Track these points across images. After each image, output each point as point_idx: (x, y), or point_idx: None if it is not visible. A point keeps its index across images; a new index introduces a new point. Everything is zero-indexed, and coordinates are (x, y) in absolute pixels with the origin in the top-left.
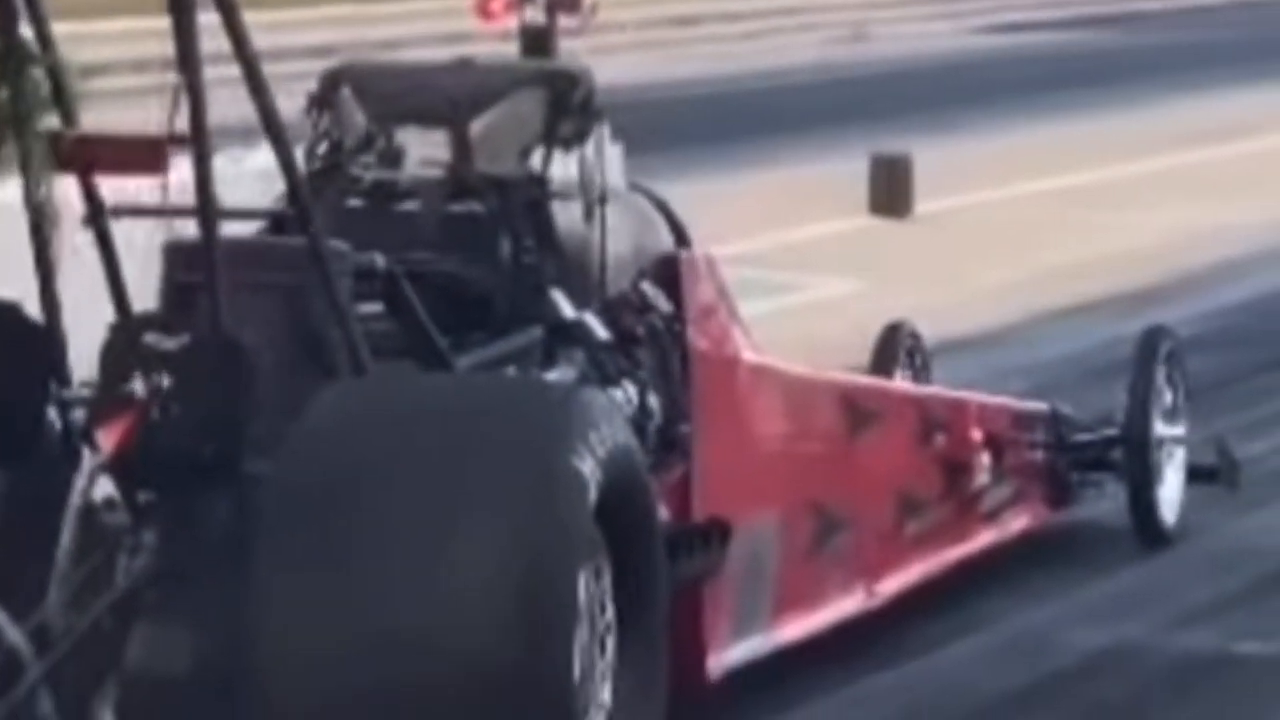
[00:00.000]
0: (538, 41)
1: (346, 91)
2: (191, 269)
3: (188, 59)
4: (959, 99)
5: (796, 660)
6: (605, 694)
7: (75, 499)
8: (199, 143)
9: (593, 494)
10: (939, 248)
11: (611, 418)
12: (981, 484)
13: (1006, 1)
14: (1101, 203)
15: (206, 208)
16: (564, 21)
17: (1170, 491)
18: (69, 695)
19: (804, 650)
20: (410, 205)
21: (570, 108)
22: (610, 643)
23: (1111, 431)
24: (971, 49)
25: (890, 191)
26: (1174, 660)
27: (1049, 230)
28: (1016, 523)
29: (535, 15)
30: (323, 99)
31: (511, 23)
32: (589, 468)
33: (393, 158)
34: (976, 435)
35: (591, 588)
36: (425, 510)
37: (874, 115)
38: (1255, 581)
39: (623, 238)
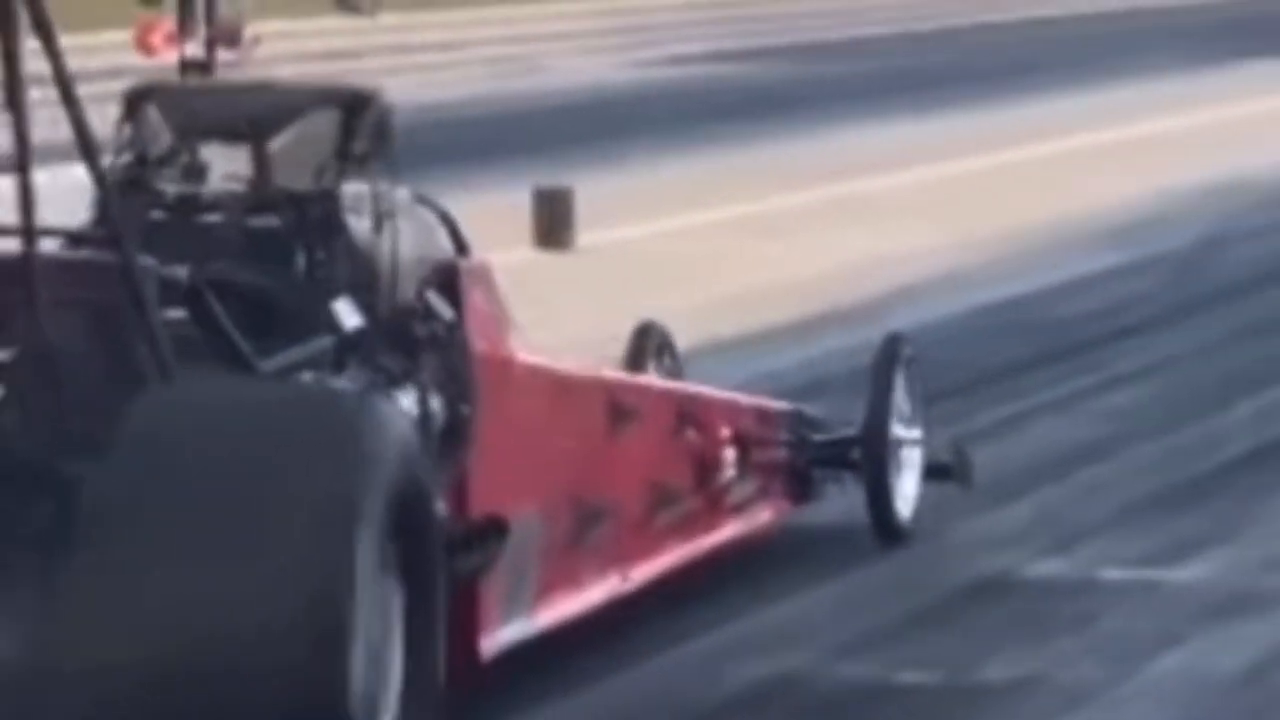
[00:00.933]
0: (199, 76)
1: (152, 108)
2: (8, 285)
3: (12, 80)
4: (626, 131)
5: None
6: (391, 696)
7: None
8: (22, 160)
9: (384, 496)
10: (602, 279)
11: (397, 422)
12: (729, 478)
13: (678, 33)
14: (770, 232)
15: (28, 226)
16: (224, 55)
17: (907, 489)
18: None
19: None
20: (211, 218)
21: (362, 126)
22: (397, 640)
23: (850, 432)
24: (640, 81)
25: (553, 224)
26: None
27: (715, 261)
28: (761, 516)
29: (196, 49)
30: (129, 115)
31: (172, 56)
32: (381, 472)
33: (196, 172)
34: (725, 432)
35: (380, 588)
36: (226, 513)
37: (539, 148)
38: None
39: (409, 248)
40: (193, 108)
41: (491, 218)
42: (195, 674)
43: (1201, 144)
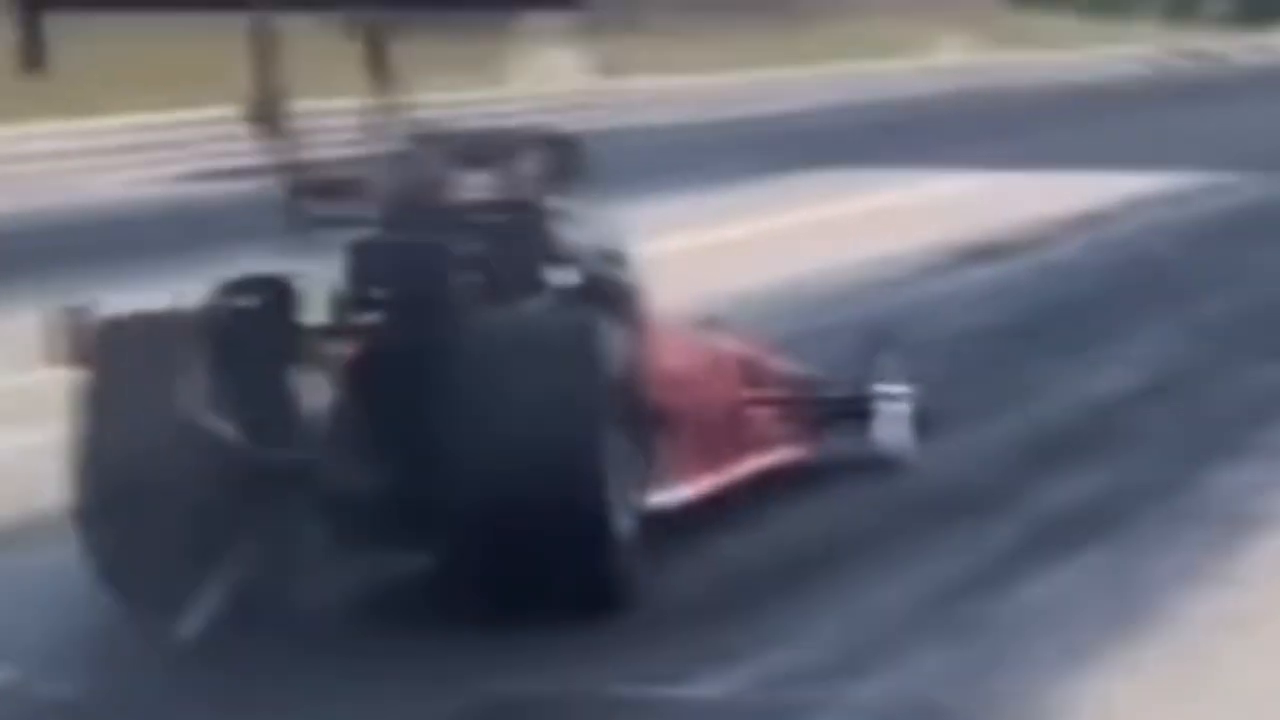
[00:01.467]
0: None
1: (425, 146)
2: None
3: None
4: (148, 249)
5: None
6: (623, 509)
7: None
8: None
9: (610, 380)
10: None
11: (614, 336)
12: (776, 417)
13: (211, 149)
14: None
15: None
16: None
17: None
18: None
19: None
20: (471, 216)
21: (562, 158)
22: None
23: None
24: (169, 198)
25: (76, 342)
26: None
27: None
28: (798, 450)
29: None
30: (408, 150)
31: None
32: (609, 364)
33: (458, 187)
34: (773, 384)
35: (612, 438)
36: (524, 391)
37: (60, 265)
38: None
39: (591, 238)
40: (454, 146)
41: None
42: (509, 500)
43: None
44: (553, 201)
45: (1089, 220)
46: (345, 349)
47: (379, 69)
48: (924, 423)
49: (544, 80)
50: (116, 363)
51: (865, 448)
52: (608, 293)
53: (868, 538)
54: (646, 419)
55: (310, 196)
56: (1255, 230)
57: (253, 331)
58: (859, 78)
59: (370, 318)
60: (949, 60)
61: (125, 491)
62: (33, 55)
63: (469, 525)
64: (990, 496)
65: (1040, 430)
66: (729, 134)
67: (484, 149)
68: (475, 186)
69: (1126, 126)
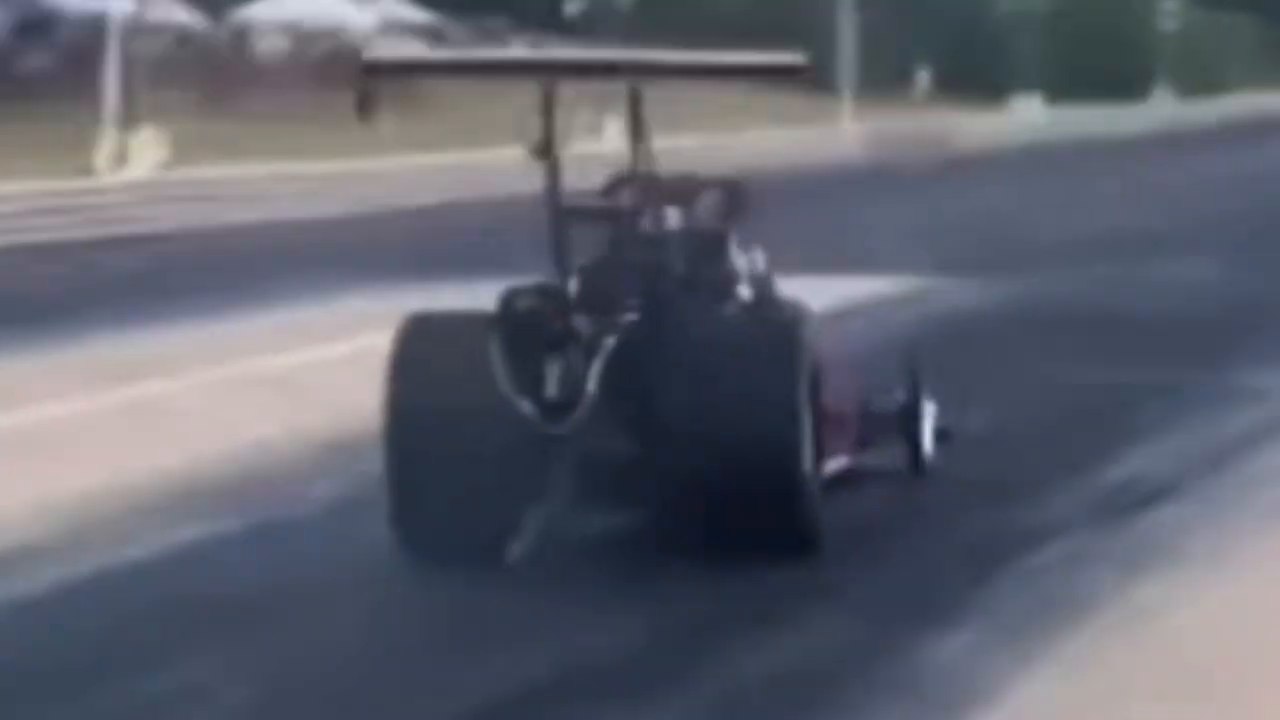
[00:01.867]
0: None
1: (629, 187)
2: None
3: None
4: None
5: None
6: (812, 472)
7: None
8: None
9: (806, 369)
10: None
11: (808, 333)
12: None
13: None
14: None
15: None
16: None
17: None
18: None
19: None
20: (671, 243)
21: (733, 198)
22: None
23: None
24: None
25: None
26: None
27: None
28: (864, 457)
29: None
30: (611, 189)
31: None
32: (807, 356)
33: (658, 219)
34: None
35: (805, 416)
36: (740, 375)
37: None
38: None
39: (760, 263)
40: (660, 188)
41: None
42: (732, 465)
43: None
44: (729, 232)
45: None
46: (606, 344)
47: (636, 126)
48: (944, 437)
49: (121, 167)
50: (428, 350)
51: (895, 459)
52: (775, 306)
53: None
54: (817, 407)
55: (572, 218)
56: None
57: (535, 327)
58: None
59: (629, 318)
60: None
61: (435, 458)
62: (365, 110)
63: (698, 486)
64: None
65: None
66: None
67: (679, 190)
68: (673, 219)
69: (817, 220)
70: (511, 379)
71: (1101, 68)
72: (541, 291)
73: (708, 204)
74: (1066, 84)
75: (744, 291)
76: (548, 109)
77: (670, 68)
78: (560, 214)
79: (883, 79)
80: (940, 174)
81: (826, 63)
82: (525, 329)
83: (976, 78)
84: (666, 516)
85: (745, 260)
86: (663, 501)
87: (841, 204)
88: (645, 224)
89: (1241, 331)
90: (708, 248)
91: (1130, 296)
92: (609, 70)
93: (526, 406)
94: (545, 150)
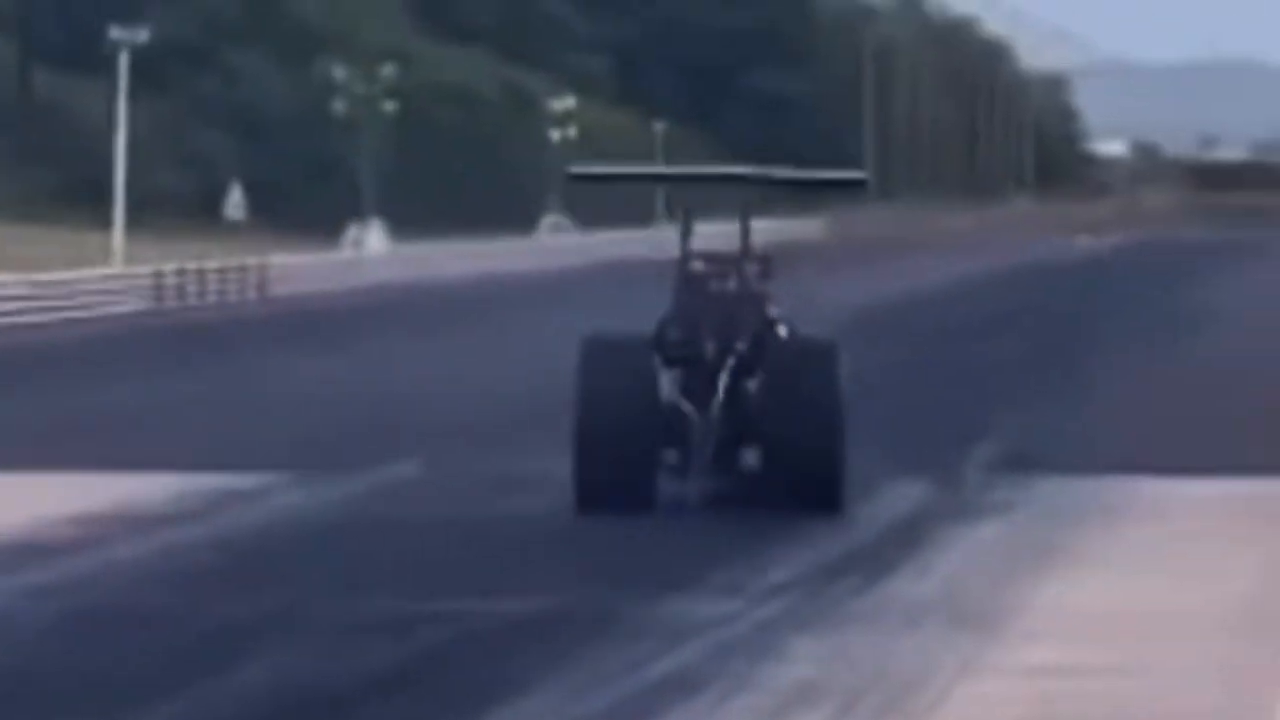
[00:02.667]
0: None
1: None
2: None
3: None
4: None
5: None
6: None
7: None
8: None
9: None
10: None
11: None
12: None
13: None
14: None
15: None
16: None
17: None
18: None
19: None
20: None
21: (766, 266)
22: None
23: None
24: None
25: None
26: None
27: None
28: None
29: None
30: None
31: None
32: (845, 366)
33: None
34: None
35: None
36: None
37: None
38: None
39: (782, 314)
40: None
41: None
42: (798, 449)
43: None
44: (768, 291)
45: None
46: (729, 362)
47: (744, 224)
48: None
49: None
50: (606, 366)
51: None
52: (808, 336)
53: None
54: None
55: (693, 269)
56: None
57: (708, 345)
58: None
59: (740, 346)
60: None
61: (612, 450)
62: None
63: (776, 463)
64: None
65: None
66: None
67: (730, 261)
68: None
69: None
70: (680, 387)
71: (475, 190)
72: (680, 324)
73: (753, 270)
74: (426, 211)
75: (783, 329)
76: (682, 203)
77: (774, 180)
78: (688, 269)
79: (181, 196)
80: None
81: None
82: (671, 349)
83: (307, 198)
84: (751, 482)
85: (776, 310)
86: (752, 471)
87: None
88: (713, 285)
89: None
90: (757, 302)
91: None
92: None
93: (684, 403)
94: (685, 234)
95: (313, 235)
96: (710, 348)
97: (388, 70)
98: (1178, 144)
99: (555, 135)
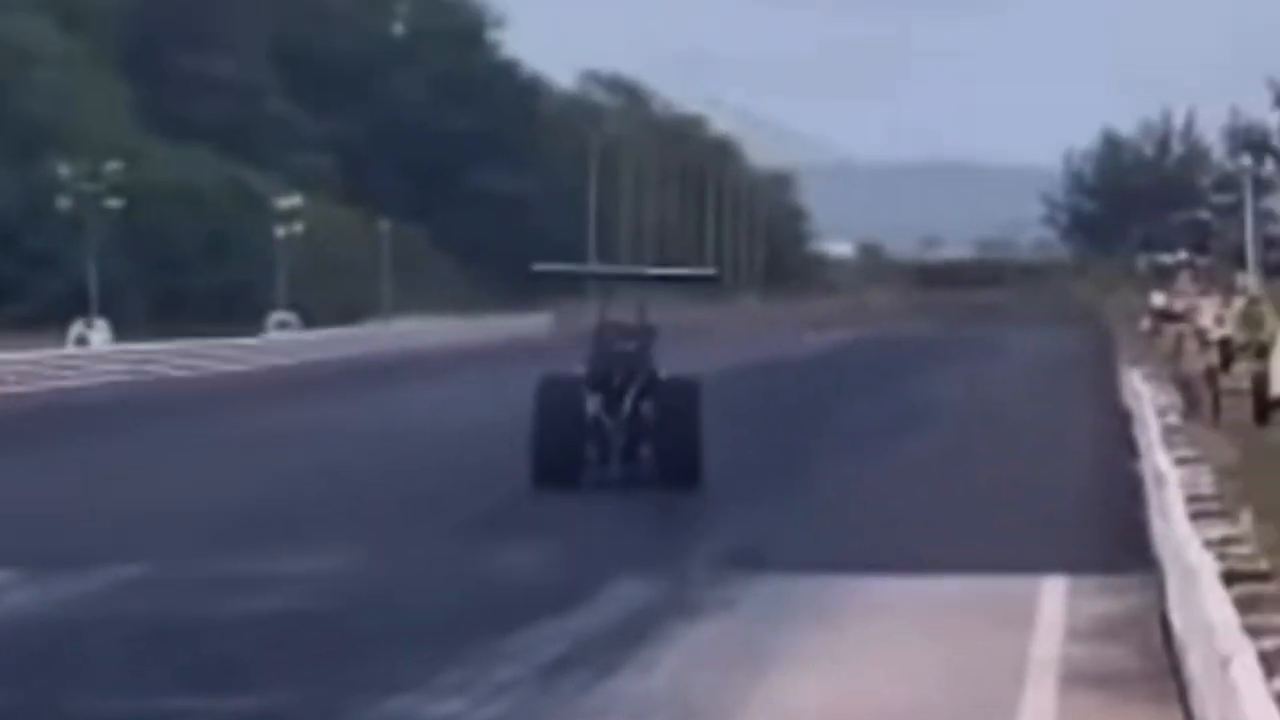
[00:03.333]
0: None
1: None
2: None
3: None
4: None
5: None
6: None
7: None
8: None
9: None
10: None
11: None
12: None
13: None
14: None
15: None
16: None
17: None
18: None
19: None
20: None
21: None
22: None
23: None
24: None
25: None
26: None
27: None
28: None
29: None
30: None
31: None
32: None
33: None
34: None
35: None
36: None
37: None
38: None
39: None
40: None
41: None
42: (679, 438)
43: None
44: (651, 345)
45: None
46: (631, 389)
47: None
48: None
49: None
50: (554, 393)
51: None
52: (680, 377)
53: None
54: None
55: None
56: None
57: (617, 380)
58: None
59: (639, 378)
60: None
61: (557, 446)
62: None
63: (661, 455)
64: None
65: None
66: None
67: (632, 329)
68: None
69: None
70: (592, 403)
71: (202, 288)
72: (599, 366)
73: (642, 335)
74: (152, 308)
75: (663, 371)
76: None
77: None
78: (603, 333)
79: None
80: None
81: None
82: (610, 380)
83: (32, 295)
84: (645, 467)
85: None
86: (646, 460)
87: None
88: (618, 344)
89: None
90: (647, 353)
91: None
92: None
93: (604, 416)
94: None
95: (37, 333)
96: (618, 380)
97: (113, 167)
98: (902, 243)
99: (281, 232)
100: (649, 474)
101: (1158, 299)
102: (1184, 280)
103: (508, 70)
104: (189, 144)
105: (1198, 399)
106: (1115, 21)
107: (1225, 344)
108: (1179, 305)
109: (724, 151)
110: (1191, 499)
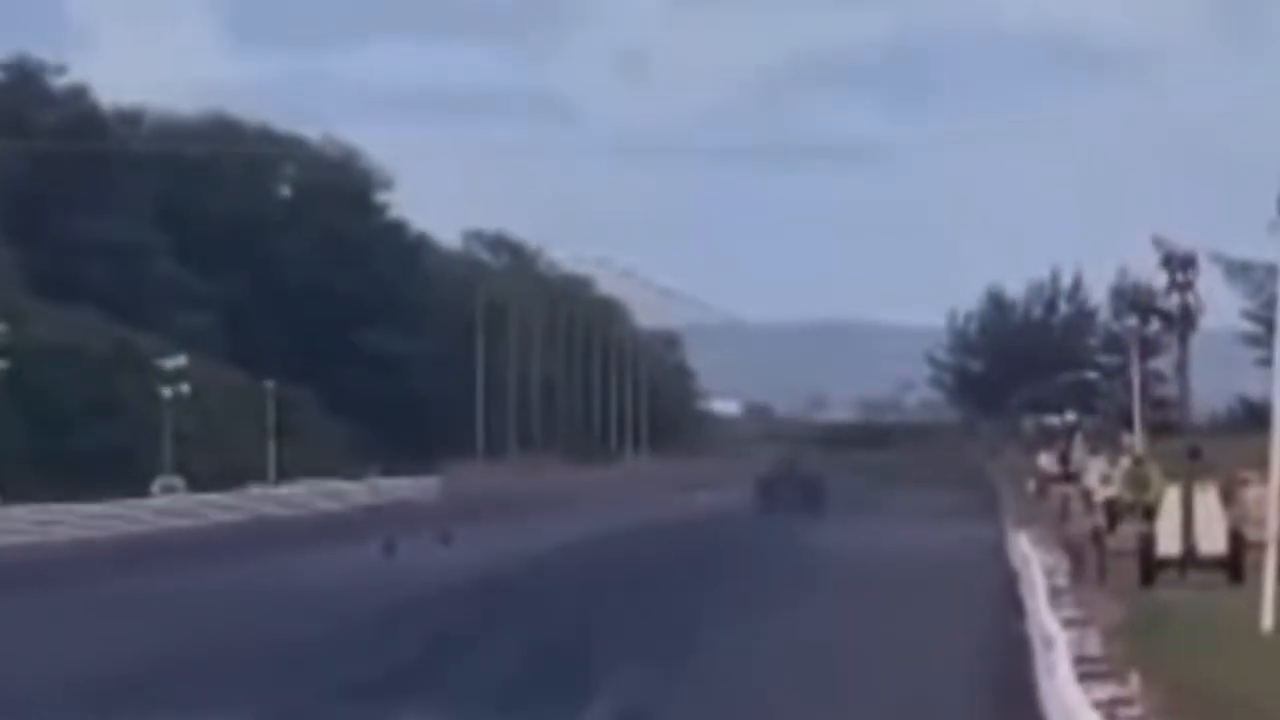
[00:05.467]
0: None
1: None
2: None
3: None
4: None
5: None
6: None
7: None
8: None
9: None
10: None
11: None
12: None
13: None
14: None
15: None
16: None
17: None
18: None
19: None
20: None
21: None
22: None
23: None
24: None
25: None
26: None
27: None
28: None
29: None
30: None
31: None
32: None
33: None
34: None
35: None
36: None
37: None
38: None
39: None
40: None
41: None
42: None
43: None
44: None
45: None
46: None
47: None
48: None
49: None
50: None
51: None
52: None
53: None
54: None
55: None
56: None
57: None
58: None
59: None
60: None
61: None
62: None
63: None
64: None
65: None
66: None
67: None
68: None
69: None
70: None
71: (87, 450)
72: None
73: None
74: (36, 471)
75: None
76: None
77: None
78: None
79: None
80: None
81: None
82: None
83: None
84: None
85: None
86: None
87: None
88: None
89: None
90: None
91: None
92: None
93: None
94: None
95: None
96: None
97: None
98: (790, 403)
99: (167, 393)
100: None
101: (1045, 461)
102: (1079, 441)
103: (394, 231)
104: (75, 305)
105: (1084, 560)
106: (1002, 179)
107: (1112, 504)
108: (1070, 466)
109: (610, 311)
110: (1079, 660)
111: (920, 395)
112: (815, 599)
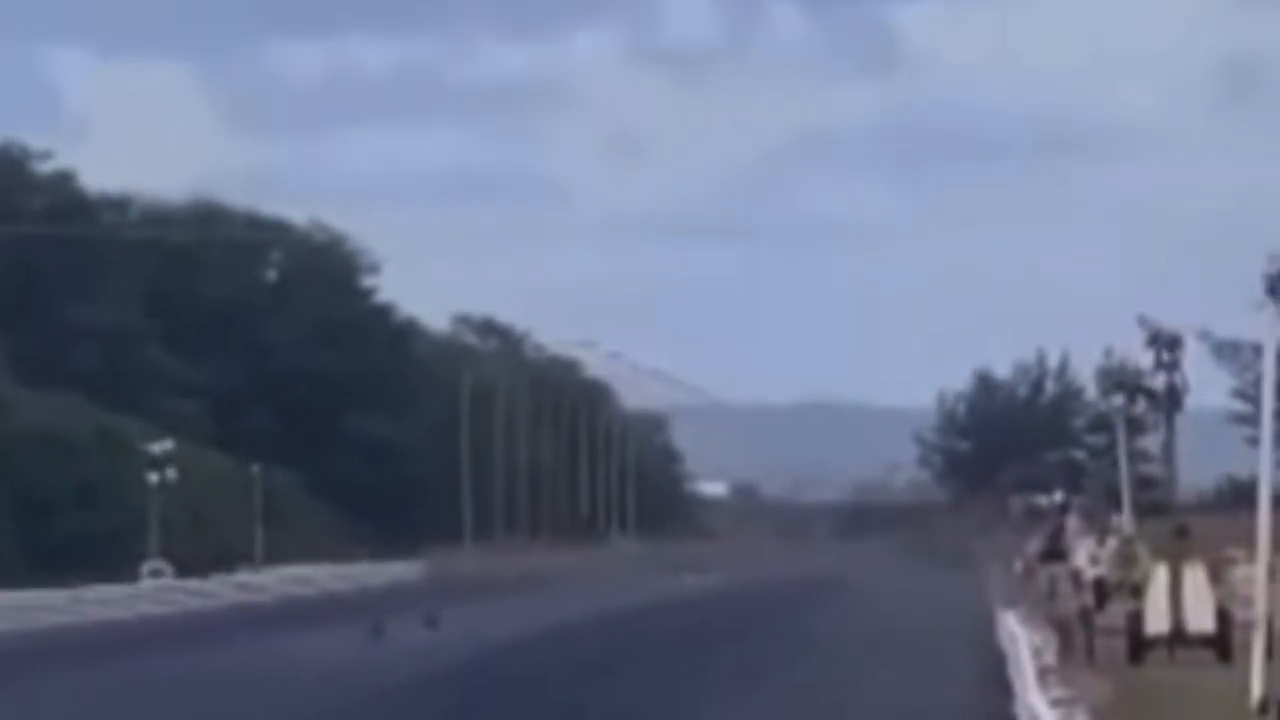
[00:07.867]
0: None
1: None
2: None
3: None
4: None
5: None
6: None
7: None
8: None
9: None
10: None
11: None
12: None
13: None
14: None
15: None
16: None
17: None
18: None
19: None
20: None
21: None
22: None
23: None
24: None
25: None
26: None
27: None
28: None
29: None
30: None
31: None
32: None
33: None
34: None
35: None
36: None
37: None
38: None
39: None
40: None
41: None
42: None
43: None
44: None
45: None
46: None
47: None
48: None
49: None
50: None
51: None
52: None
53: None
54: None
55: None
56: None
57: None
58: None
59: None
60: None
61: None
62: None
63: None
64: None
65: None
66: None
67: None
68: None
69: None
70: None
71: (74, 536)
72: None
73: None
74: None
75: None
76: None
77: None
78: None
79: None
80: None
81: None
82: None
83: None
84: None
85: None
86: None
87: None
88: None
89: None
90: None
91: None
92: None
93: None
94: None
95: None
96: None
97: None
98: (776, 484)
99: (154, 478)
100: None
101: (1034, 545)
102: (1073, 521)
103: (381, 315)
104: (61, 391)
105: (1073, 639)
106: (988, 260)
107: (1100, 584)
108: (1061, 543)
109: (597, 393)
110: None
111: (908, 475)
112: (800, 680)
